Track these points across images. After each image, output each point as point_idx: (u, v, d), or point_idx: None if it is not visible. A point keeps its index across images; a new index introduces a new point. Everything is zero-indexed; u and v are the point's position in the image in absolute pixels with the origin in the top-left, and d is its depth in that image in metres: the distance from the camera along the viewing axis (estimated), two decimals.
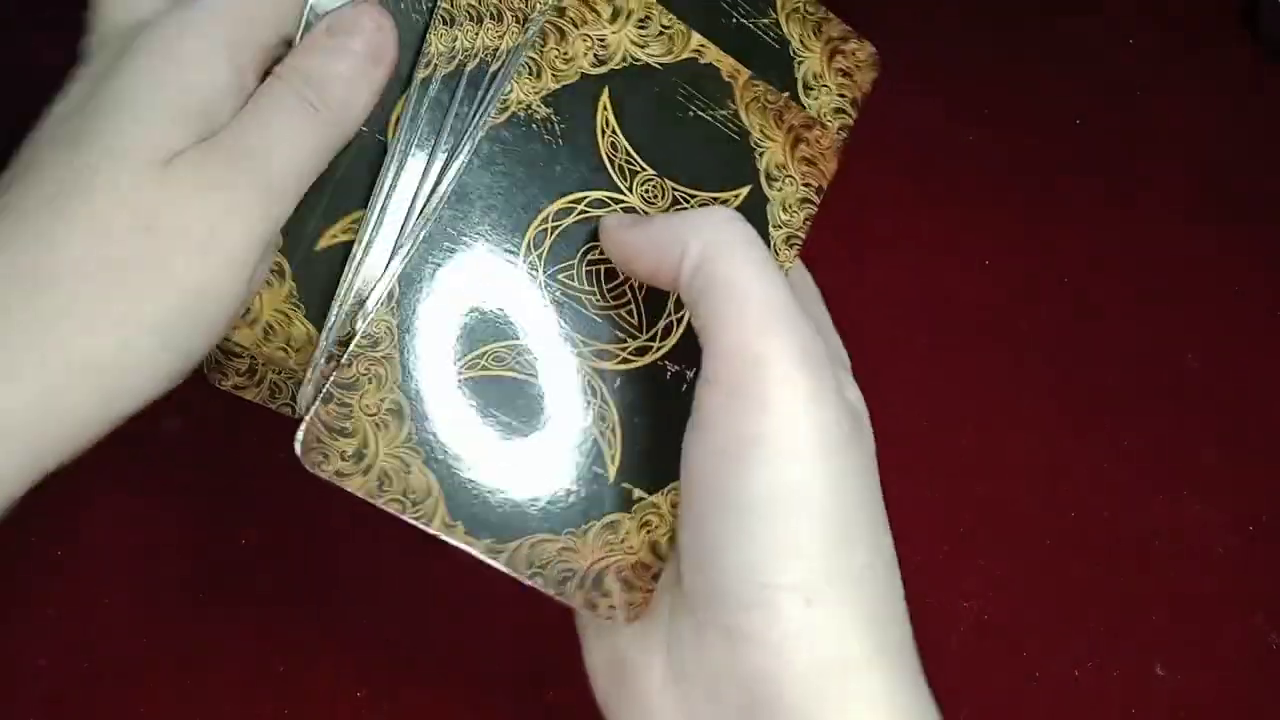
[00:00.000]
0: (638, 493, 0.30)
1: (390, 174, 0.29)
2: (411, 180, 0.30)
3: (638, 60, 0.31)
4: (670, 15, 0.31)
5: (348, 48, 0.29)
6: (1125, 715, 0.43)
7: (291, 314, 0.29)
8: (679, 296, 0.30)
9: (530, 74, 0.30)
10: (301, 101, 0.28)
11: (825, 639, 0.25)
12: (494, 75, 0.30)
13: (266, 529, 0.47)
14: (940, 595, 0.45)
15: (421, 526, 0.28)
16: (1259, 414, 0.48)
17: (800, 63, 0.33)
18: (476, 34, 0.30)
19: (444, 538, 0.28)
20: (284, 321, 0.29)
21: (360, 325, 0.28)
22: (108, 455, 0.48)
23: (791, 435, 0.25)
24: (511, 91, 0.29)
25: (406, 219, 0.29)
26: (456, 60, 0.30)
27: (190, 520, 0.47)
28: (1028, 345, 0.49)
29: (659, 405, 0.29)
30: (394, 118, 0.30)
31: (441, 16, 0.30)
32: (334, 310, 0.29)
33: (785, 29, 0.33)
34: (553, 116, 0.30)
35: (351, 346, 0.28)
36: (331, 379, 0.28)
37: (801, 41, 0.33)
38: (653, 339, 0.31)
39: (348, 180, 0.30)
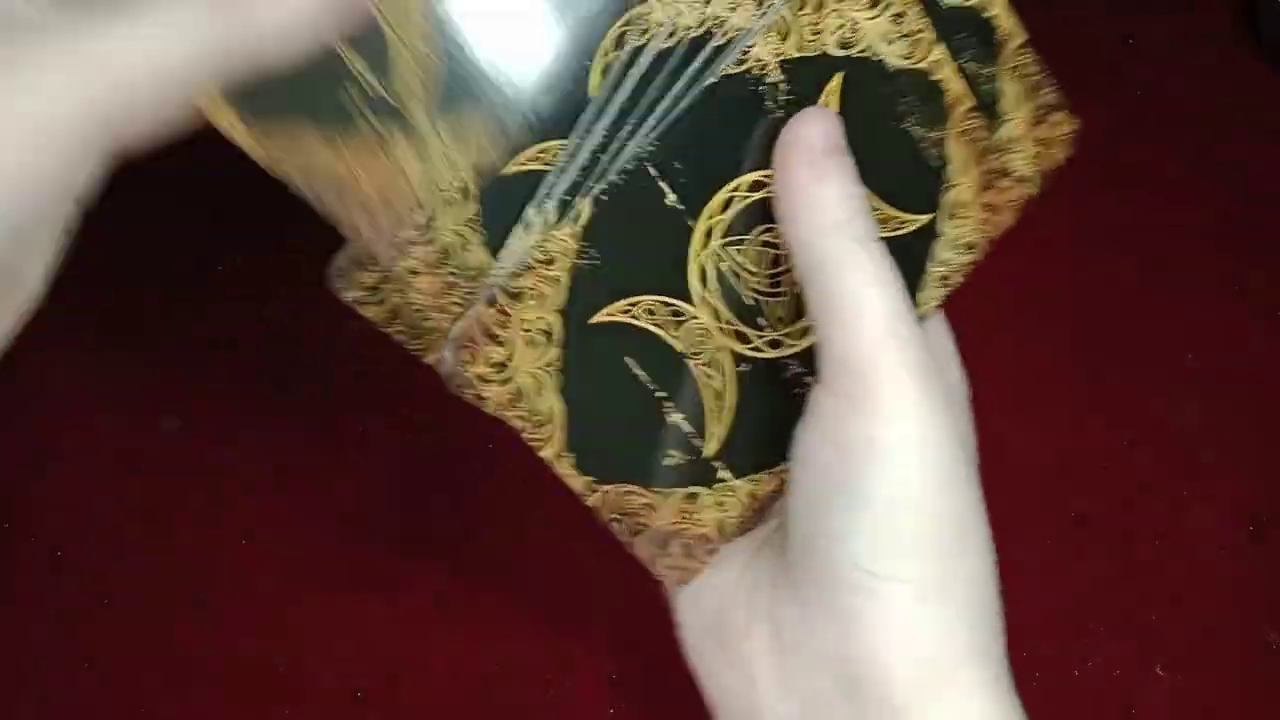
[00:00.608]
0: (723, 473, 0.30)
1: (589, 117, 0.28)
2: (600, 132, 0.28)
3: (878, 55, 0.30)
4: (925, 19, 0.30)
5: None
6: (1125, 715, 0.43)
7: (470, 238, 0.28)
8: None
9: (778, 34, 0.28)
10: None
11: (932, 634, 0.26)
12: (717, 49, 0.28)
13: (266, 529, 0.47)
14: None
15: (535, 448, 0.29)
16: (1259, 414, 0.48)
17: (1004, 122, 0.32)
18: (706, 4, 0.28)
19: (552, 464, 0.29)
20: (460, 245, 0.28)
21: (538, 240, 0.28)
22: (108, 455, 0.48)
23: (903, 442, 0.26)
24: (755, 46, 0.28)
25: (604, 149, 0.28)
26: (676, 33, 0.28)
27: (190, 520, 0.47)
28: (1027, 345, 0.49)
29: (770, 400, 0.30)
30: (598, 69, 0.29)
31: None
32: (512, 239, 0.28)
33: (1002, 82, 0.32)
34: (782, 84, 0.29)
35: (529, 257, 0.28)
36: (500, 285, 0.28)
37: (1015, 100, 0.32)
38: (788, 336, 0.30)
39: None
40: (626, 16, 0.29)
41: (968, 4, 0.31)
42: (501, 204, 0.28)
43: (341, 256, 0.30)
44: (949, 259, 0.32)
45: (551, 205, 0.28)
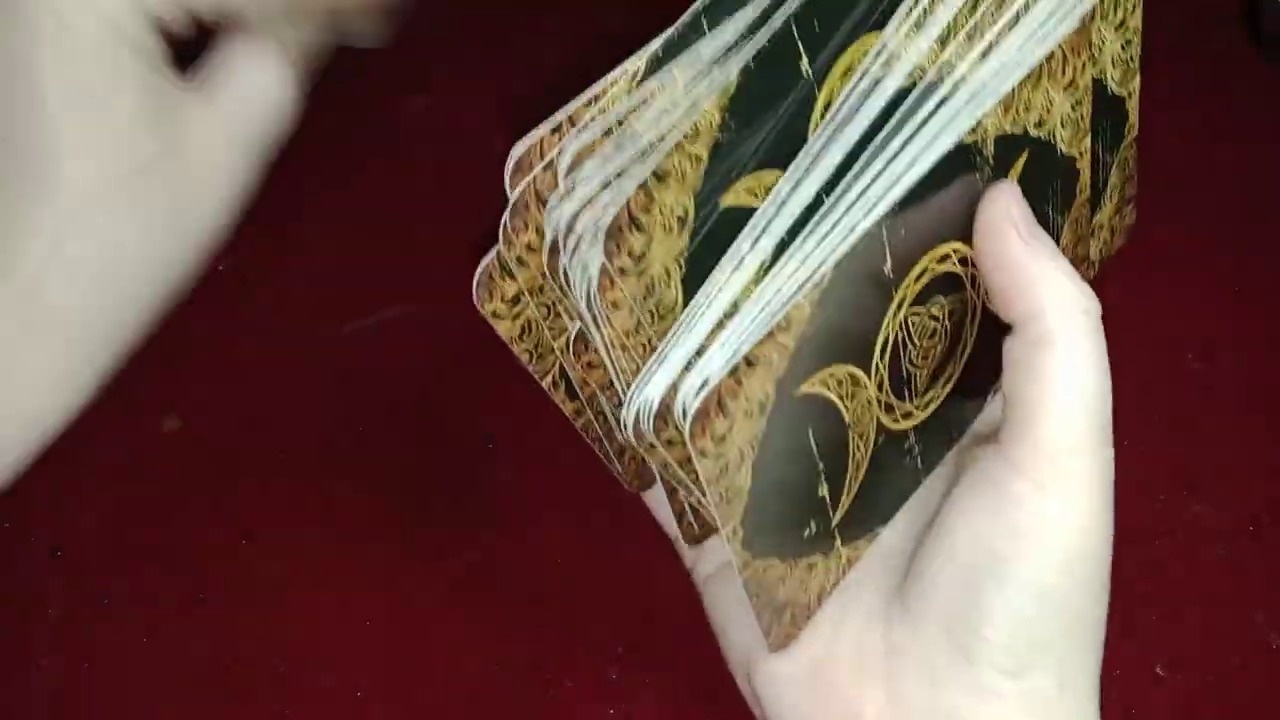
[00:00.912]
0: (835, 541, 0.29)
1: (810, 156, 0.26)
2: (824, 170, 0.26)
3: (1052, 137, 0.28)
4: (1089, 108, 0.29)
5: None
6: (1125, 715, 0.43)
7: (672, 272, 0.25)
8: (949, 378, 0.29)
9: (1004, 107, 0.27)
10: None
11: (1069, 717, 0.27)
12: (941, 101, 0.26)
13: (266, 529, 0.47)
14: None
15: (718, 523, 0.26)
16: (1259, 414, 0.48)
17: (1101, 209, 0.31)
18: (939, 52, 0.26)
19: (725, 540, 0.26)
20: (663, 279, 0.25)
21: (777, 304, 0.25)
22: (108, 455, 0.48)
23: (1073, 530, 0.27)
24: (987, 117, 0.26)
25: (823, 205, 0.26)
26: (904, 73, 0.26)
27: (190, 520, 0.47)
28: None
29: (888, 471, 0.28)
30: (819, 107, 0.26)
31: (913, 23, 0.26)
32: (717, 282, 0.25)
33: (1114, 172, 0.31)
34: (991, 159, 0.27)
35: (775, 321, 0.25)
36: (742, 350, 0.24)
37: (1113, 190, 0.31)
38: (918, 407, 0.29)
39: (764, 140, 0.26)
40: (860, 46, 0.26)
41: (1121, 94, 0.30)
42: (709, 239, 0.25)
43: (488, 266, 0.27)
44: None
45: (766, 248, 0.25)
